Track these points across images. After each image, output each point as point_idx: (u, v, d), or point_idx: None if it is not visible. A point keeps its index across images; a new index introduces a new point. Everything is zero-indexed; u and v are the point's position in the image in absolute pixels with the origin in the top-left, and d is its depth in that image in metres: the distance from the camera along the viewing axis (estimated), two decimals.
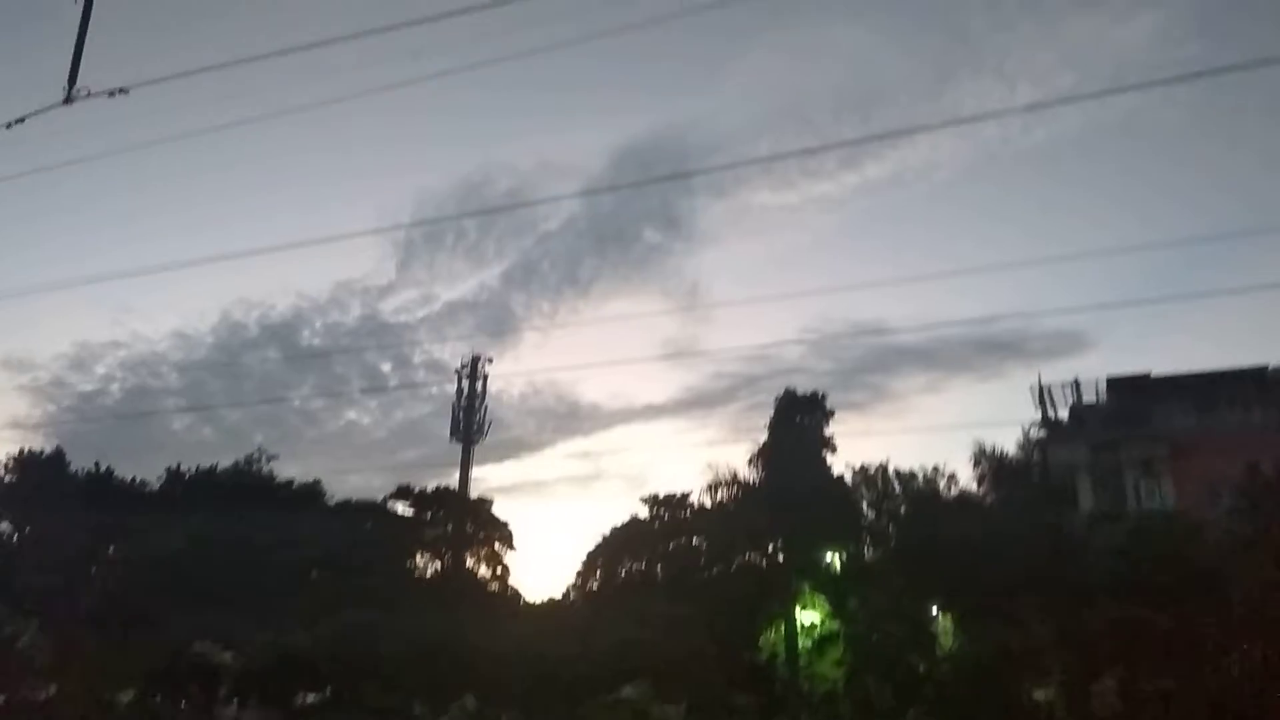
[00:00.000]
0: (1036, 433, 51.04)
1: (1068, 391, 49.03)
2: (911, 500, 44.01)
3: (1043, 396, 48.99)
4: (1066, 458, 46.85)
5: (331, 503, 52.44)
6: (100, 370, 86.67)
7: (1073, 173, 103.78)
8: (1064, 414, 49.62)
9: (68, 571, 44.98)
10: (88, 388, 79.40)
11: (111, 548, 49.72)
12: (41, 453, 56.05)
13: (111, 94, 17.32)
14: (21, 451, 55.74)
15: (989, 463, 52.60)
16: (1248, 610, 25.93)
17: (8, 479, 55.56)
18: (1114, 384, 48.48)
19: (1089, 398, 48.99)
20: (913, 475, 45.18)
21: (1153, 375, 47.68)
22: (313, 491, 53.10)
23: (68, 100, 17.39)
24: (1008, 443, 53.13)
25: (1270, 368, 45.69)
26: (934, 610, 37.40)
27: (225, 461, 55.62)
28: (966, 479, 48.83)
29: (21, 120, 17.57)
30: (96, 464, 55.53)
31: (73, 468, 56.04)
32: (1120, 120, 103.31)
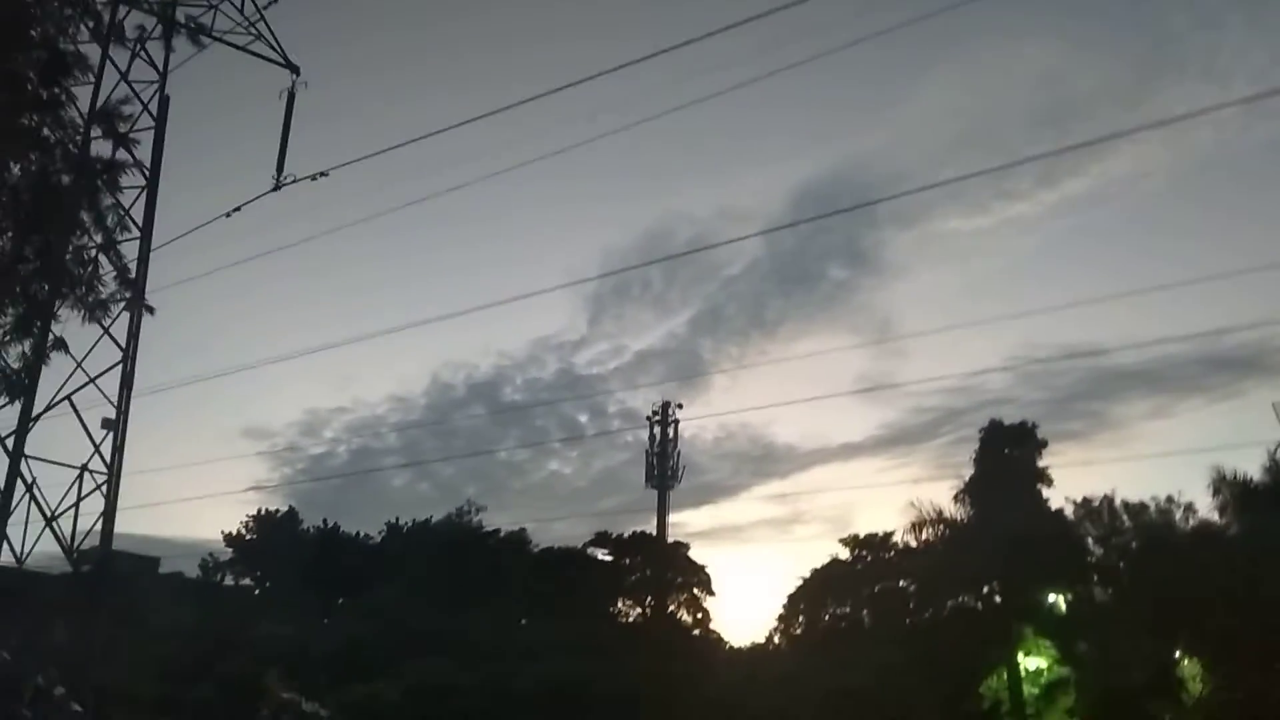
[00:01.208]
0: None
1: None
2: (1145, 534, 40.25)
3: None
4: None
5: (536, 550, 53.91)
6: (328, 434, 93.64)
7: None
8: None
9: (302, 622, 48.24)
10: (317, 450, 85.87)
11: (340, 599, 53.02)
12: (277, 512, 60.72)
13: (314, 178, 18.70)
14: (259, 512, 60.59)
15: (1231, 490, 47.45)
16: None
17: (249, 538, 60.48)
18: None
19: None
20: (1143, 507, 41.37)
21: None
22: (519, 540, 54.81)
23: (277, 187, 18.93)
24: (1251, 467, 47.82)
25: None
26: (1178, 654, 34.00)
27: (439, 514, 58.46)
28: (1205, 509, 44.24)
29: (239, 209, 19.23)
30: (325, 521, 59.58)
31: (305, 525, 60.39)
32: None
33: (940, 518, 41.86)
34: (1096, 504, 40.63)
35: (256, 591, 59.45)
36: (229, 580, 61.21)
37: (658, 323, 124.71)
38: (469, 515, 58.35)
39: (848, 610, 42.23)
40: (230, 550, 60.67)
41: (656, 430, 44.03)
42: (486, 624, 43.34)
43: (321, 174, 18.73)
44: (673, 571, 47.72)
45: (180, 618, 43.47)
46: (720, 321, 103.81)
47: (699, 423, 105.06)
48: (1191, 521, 41.43)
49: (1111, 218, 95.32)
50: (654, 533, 44.14)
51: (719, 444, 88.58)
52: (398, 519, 58.86)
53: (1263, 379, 78.63)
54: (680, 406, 45.03)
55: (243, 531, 60.78)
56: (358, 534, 59.52)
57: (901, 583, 41.31)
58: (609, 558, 51.08)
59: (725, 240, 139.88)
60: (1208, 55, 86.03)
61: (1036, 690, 35.99)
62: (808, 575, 44.57)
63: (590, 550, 51.33)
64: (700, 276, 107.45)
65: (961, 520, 41.55)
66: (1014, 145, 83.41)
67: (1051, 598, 38.07)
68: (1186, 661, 33.70)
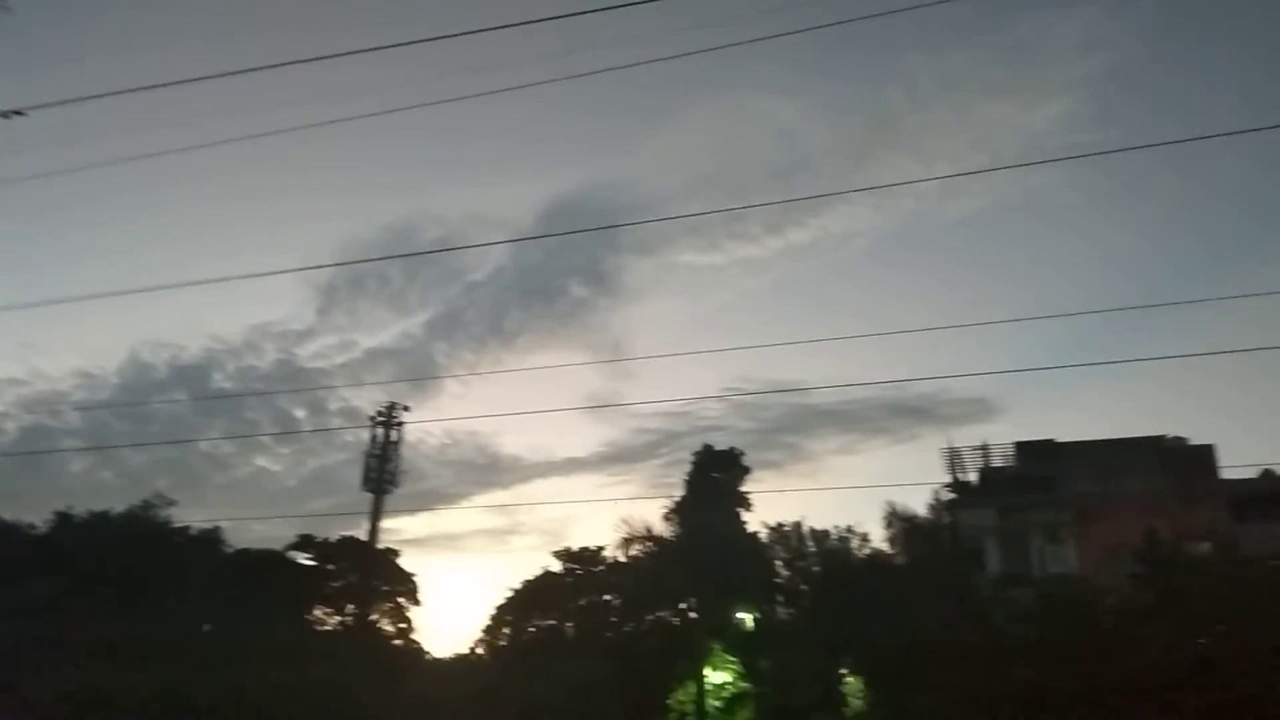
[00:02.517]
0: (947, 495, 51.79)
1: (977, 456, 49.93)
2: (825, 560, 44.07)
3: (953, 460, 49.79)
4: (975, 520, 47.54)
5: (231, 551, 50.28)
6: None
7: (982, 246, 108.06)
8: (974, 478, 50.47)
9: None
10: None
11: None
12: None
13: (7, 115, 16.53)
14: None
15: (901, 524, 53.11)
16: (1147, 674, 26.36)
17: None
18: (1021, 449, 49.54)
19: (998, 462, 49.92)
20: (826, 534, 45.33)
21: (1058, 441, 48.82)
22: (211, 539, 50.86)
23: None
24: (919, 504, 53.81)
25: (1167, 437, 47.27)
26: (844, 671, 37.30)
27: (122, 506, 52.93)
28: (879, 539, 49.20)
29: None
30: None
31: None
32: (1027, 199, 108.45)
33: (649, 535, 43.65)
34: (787, 530, 44.10)
35: None
36: None
37: (393, 321, 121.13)
38: (156, 509, 53.48)
39: (553, 622, 42.79)
40: None
41: (379, 432, 42.70)
42: (165, 627, 39.81)
43: (17, 112, 16.62)
44: (379, 579, 46.22)
45: None
46: (458, 326, 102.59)
47: (425, 427, 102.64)
48: (867, 551, 46.01)
49: (825, 269, 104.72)
50: (365, 538, 42.66)
51: (444, 450, 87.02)
52: (71, 508, 52.88)
53: (935, 426, 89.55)
54: (407, 409, 43.97)
55: None
56: (18, 521, 52.80)
57: (607, 597, 42.52)
58: (312, 562, 48.67)
59: (471, 244, 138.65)
60: (917, 135, 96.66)
61: (720, 704, 38.13)
62: (519, 586, 44.80)
63: (291, 554, 48.68)
64: (443, 279, 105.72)
65: (668, 538, 43.55)
66: (749, 192, 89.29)
67: (741, 615, 40.64)
68: (851, 679, 37.04)
